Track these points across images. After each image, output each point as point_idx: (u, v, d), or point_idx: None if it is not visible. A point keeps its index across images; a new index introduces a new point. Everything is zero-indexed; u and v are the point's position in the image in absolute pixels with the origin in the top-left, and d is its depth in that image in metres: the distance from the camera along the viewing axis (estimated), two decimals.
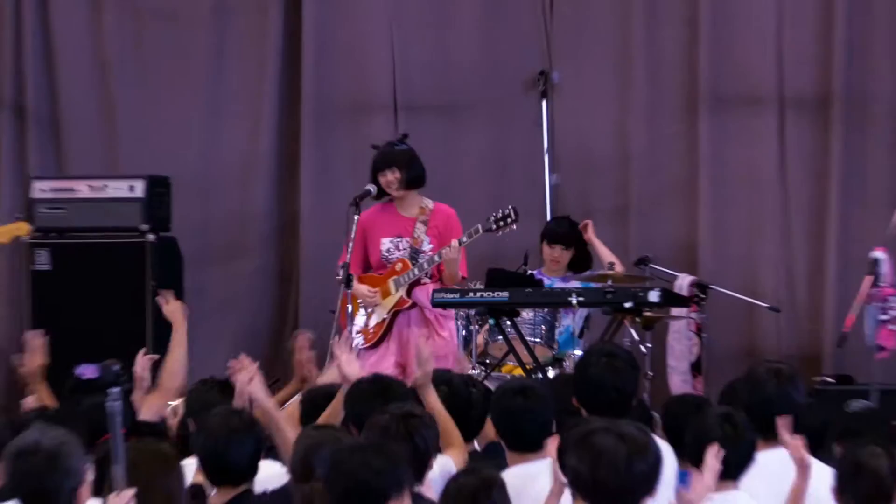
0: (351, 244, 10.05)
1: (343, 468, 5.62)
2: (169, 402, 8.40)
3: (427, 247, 10.16)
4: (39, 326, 10.55)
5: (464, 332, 10.95)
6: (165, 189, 12.57)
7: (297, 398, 8.18)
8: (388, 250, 10.09)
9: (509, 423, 6.71)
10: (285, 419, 7.53)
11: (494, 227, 10.34)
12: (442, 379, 7.56)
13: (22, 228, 11.59)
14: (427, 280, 10.33)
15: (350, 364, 7.45)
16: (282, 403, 8.39)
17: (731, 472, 6.32)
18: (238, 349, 9.03)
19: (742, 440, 6.39)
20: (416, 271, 10.04)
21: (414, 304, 10.15)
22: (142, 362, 8.30)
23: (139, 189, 12.38)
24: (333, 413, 7.25)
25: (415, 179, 9.92)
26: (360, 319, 10.38)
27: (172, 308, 8.59)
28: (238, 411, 6.95)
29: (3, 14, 13.36)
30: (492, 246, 11.34)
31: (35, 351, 8.66)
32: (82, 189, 12.58)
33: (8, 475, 5.76)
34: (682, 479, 6.42)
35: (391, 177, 9.85)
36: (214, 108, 13.23)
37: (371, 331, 10.35)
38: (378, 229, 10.11)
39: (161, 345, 10.01)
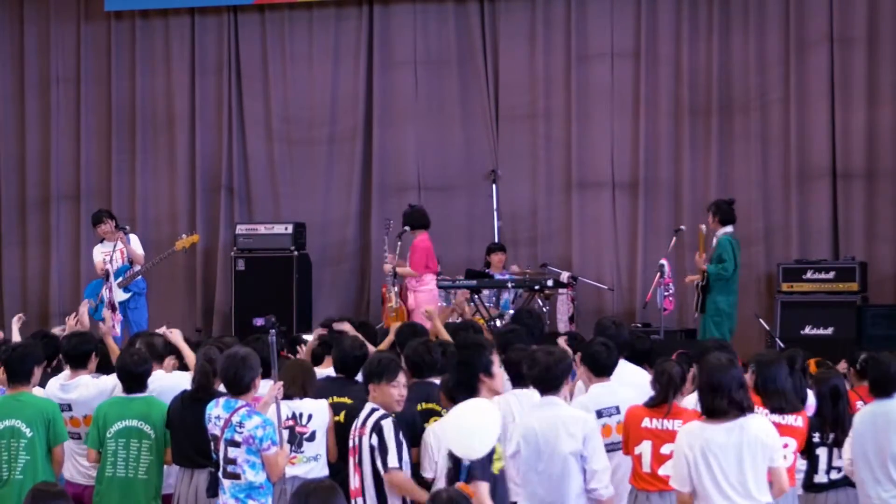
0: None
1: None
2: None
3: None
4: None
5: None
6: (303, 228, 15.68)
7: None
8: None
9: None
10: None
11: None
12: (470, 324, 9.92)
13: (195, 239, 13.96)
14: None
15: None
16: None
17: (606, 372, 7.75)
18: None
19: (611, 354, 7.76)
20: None
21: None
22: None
23: (290, 228, 15.51)
24: (387, 341, 9.40)
25: (417, 225, 13.48)
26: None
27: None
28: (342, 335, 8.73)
29: (221, 125, 16.11)
30: (465, 259, 15.01)
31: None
32: (260, 228, 15.73)
33: (220, 370, 6.90)
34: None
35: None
36: (329, 183, 16.31)
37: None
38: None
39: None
